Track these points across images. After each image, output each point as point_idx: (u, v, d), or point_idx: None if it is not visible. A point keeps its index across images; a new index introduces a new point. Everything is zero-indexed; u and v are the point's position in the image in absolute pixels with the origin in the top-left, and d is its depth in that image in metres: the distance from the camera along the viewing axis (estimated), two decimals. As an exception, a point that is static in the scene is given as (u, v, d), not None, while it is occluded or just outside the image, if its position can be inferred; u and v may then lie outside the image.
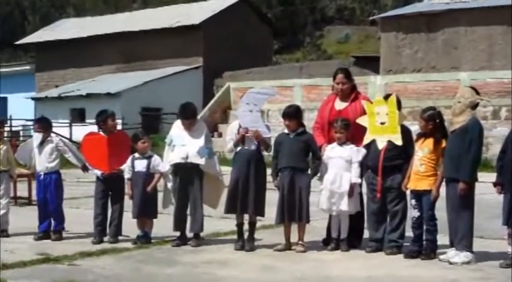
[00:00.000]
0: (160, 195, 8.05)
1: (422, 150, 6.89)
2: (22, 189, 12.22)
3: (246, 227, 7.61)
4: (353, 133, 7.38)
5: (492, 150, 18.80)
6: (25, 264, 6.60)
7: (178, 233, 7.81)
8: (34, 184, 9.13)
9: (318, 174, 7.46)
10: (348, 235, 7.38)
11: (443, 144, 6.80)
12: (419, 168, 6.87)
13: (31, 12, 53.49)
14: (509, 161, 6.56)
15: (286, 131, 7.47)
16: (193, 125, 7.82)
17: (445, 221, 6.80)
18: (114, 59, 35.51)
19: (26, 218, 9.21)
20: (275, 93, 8.26)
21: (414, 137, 7.14)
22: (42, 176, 8.21)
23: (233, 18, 34.18)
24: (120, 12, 43.44)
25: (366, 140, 7.31)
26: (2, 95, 36.95)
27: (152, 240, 7.89)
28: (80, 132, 18.56)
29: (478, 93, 6.81)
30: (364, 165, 7.33)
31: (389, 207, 7.20)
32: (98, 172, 8.08)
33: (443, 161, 6.79)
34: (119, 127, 11.03)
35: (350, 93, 7.65)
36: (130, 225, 8.03)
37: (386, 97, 7.33)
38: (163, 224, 8.12)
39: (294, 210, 7.28)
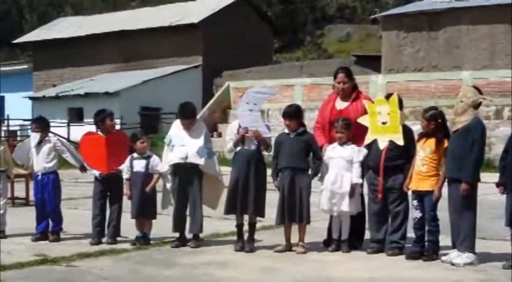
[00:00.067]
0: (159, 196, 8.04)
1: (424, 150, 6.89)
2: (19, 190, 12.22)
3: (245, 227, 7.60)
4: (354, 133, 7.38)
5: (495, 150, 18.82)
6: (22, 265, 6.59)
7: (177, 234, 7.81)
8: (32, 184, 9.12)
9: (319, 175, 7.45)
10: (349, 236, 7.38)
11: (446, 144, 6.79)
12: (421, 169, 6.87)
13: (29, 11, 53.53)
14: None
15: (286, 130, 7.47)
16: (193, 125, 7.82)
17: (447, 222, 6.79)
18: (113, 58, 35.54)
19: (24, 219, 9.21)
20: (275, 93, 8.27)
21: (416, 137, 7.14)
22: (39, 177, 8.20)
23: (233, 17, 34.21)
24: (119, 10, 43.50)
25: (367, 140, 7.31)
26: (-1, 95, 37.02)
27: (151, 241, 7.88)
28: (78, 132, 18.56)
29: (480, 92, 6.80)
30: (365, 166, 7.33)
31: (390, 208, 7.19)
32: (96, 172, 8.07)
33: (445, 161, 6.78)
34: (118, 127, 11.05)
35: (351, 92, 7.65)
36: (129, 226, 8.03)
37: (388, 96, 7.32)
38: (163, 224, 8.12)
39: (295, 211, 7.28)
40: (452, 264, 6.53)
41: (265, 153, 7.64)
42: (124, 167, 7.94)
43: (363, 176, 7.37)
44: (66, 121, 29.72)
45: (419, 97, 23.02)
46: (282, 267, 6.62)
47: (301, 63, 34.53)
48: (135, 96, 30.25)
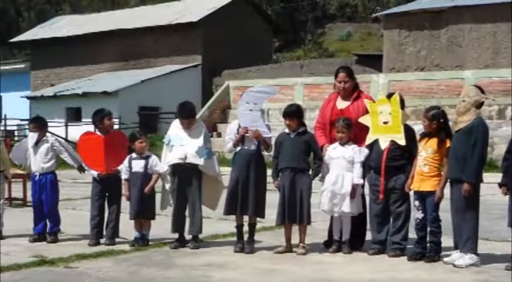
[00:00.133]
0: (158, 197, 8.05)
1: (426, 150, 6.89)
2: (17, 190, 12.22)
3: (245, 228, 7.60)
4: (355, 133, 7.38)
5: (497, 150, 18.81)
6: (20, 266, 6.60)
7: (176, 235, 7.81)
8: (29, 185, 9.12)
9: (320, 175, 7.45)
10: (350, 237, 7.38)
11: (448, 144, 6.79)
12: (423, 169, 6.87)
13: (26, 9, 53.49)
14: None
15: (286, 130, 7.47)
16: (192, 125, 7.82)
17: (449, 223, 6.79)
18: (111, 57, 35.53)
19: (21, 220, 9.22)
20: (275, 92, 8.25)
21: (418, 136, 7.14)
22: (37, 177, 8.21)
23: (232, 16, 34.19)
24: (117, 9, 43.50)
25: (369, 139, 7.31)
26: (-4, 94, 37.03)
27: (150, 242, 7.89)
28: (76, 132, 18.59)
29: (483, 92, 6.81)
30: (366, 166, 7.33)
31: (392, 209, 7.19)
32: (95, 173, 8.07)
33: (447, 161, 6.78)
34: (116, 127, 11.06)
35: (352, 92, 7.65)
36: (127, 227, 8.04)
37: (389, 96, 7.32)
38: (161, 225, 8.13)
39: (295, 212, 7.28)
40: (455, 266, 6.54)
41: (265, 153, 7.64)
42: (123, 167, 7.95)
43: (364, 177, 7.37)
44: (64, 121, 29.73)
45: (421, 96, 23.02)
46: (282, 268, 6.62)
47: (301, 62, 34.52)
48: (133, 96, 30.24)
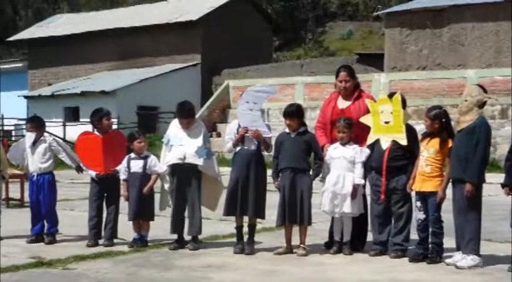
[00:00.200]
0: (157, 197, 8.05)
1: (428, 150, 6.89)
2: (14, 191, 12.22)
3: (245, 229, 7.61)
4: (356, 133, 7.38)
5: (500, 150, 18.83)
6: (17, 268, 6.59)
7: (175, 236, 7.81)
8: (27, 185, 9.12)
9: (320, 175, 7.46)
10: (351, 238, 7.38)
11: (450, 144, 6.80)
12: (425, 169, 6.87)
13: (23, 8, 53.48)
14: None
15: (287, 130, 7.47)
16: (191, 124, 7.82)
17: (451, 224, 6.80)
18: (110, 56, 35.54)
19: (19, 220, 9.21)
20: (276, 92, 8.26)
21: (419, 136, 7.14)
22: (35, 177, 8.21)
23: (232, 14, 34.20)
24: (116, 7, 43.52)
25: (370, 139, 7.31)
26: (-7, 93, 37.02)
27: (149, 244, 7.89)
28: (74, 131, 18.59)
29: (485, 91, 6.81)
30: (367, 166, 7.33)
31: (393, 209, 7.20)
32: (93, 173, 8.08)
33: (449, 161, 6.78)
34: (115, 126, 11.05)
35: (353, 91, 7.65)
36: (126, 228, 8.03)
37: (391, 95, 7.32)
38: (160, 226, 8.12)
39: (295, 212, 7.28)
40: (457, 267, 6.54)
41: (265, 153, 7.64)
42: (121, 168, 7.95)
43: (365, 177, 7.37)
44: (61, 120, 29.74)
45: (423, 96, 23.04)
46: (283, 269, 6.62)
47: (302, 61, 34.55)
48: (132, 95, 30.25)
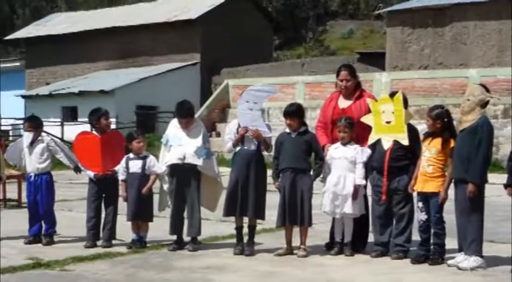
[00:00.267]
0: (156, 198, 8.05)
1: (430, 150, 6.89)
2: (12, 191, 12.21)
3: (245, 230, 7.61)
4: (357, 132, 7.38)
5: (502, 150, 18.83)
6: (15, 269, 6.59)
7: (174, 237, 7.81)
8: (24, 186, 9.12)
9: (321, 176, 7.46)
10: (352, 239, 7.38)
11: (452, 144, 6.80)
12: (427, 169, 6.87)
13: (21, 6, 53.50)
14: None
15: (287, 130, 7.47)
16: (191, 124, 7.82)
17: (454, 224, 6.80)
18: (108, 55, 35.53)
19: (16, 221, 9.21)
20: (276, 91, 8.26)
21: (421, 136, 7.14)
22: (32, 178, 8.21)
23: (232, 13, 34.19)
24: (114, 6, 43.48)
25: (371, 139, 7.32)
26: (-10, 93, 37.00)
27: (147, 245, 7.89)
28: (72, 131, 18.55)
29: (488, 90, 6.81)
30: (369, 166, 7.33)
31: (395, 210, 7.20)
32: (91, 173, 8.07)
33: (451, 161, 6.79)
34: (113, 126, 11.05)
35: (354, 90, 7.65)
36: (124, 229, 8.04)
37: (392, 95, 7.32)
38: (159, 227, 8.12)
39: (296, 213, 7.29)
40: (459, 268, 6.54)
41: (265, 153, 7.65)
42: (120, 168, 7.95)
43: (366, 177, 7.37)
44: (59, 120, 29.70)
45: (425, 95, 23.01)
46: (283, 271, 6.63)
47: (302, 60, 34.54)
48: (131, 95, 30.24)
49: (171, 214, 7.84)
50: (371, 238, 7.54)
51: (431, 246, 6.91)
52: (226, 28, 33.39)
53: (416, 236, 7.11)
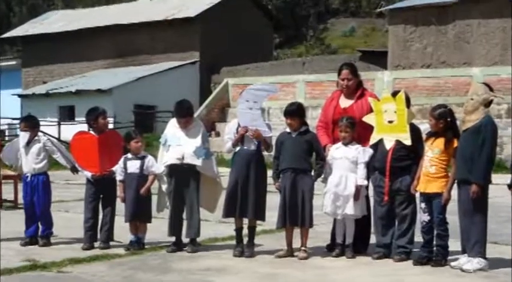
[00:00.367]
0: (154, 198, 8.05)
1: (433, 150, 6.89)
2: (8, 192, 12.22)
3: (245, 231, 7.61)
4: (359, 132, 7.38)
5: (507, 150, 18.85)
6: (11, 271, 6.59)
7: (173, 238, 7.81)
8: (20, 186, 9.12)
9: (322, 176, 7.46)
10: (354, 240, 7.38)
11: (455, 144, 6.80)
12: (430, 170, 6.87)
13: (17, 4, 53.50)
14: (524, 161, 6.57)
15: (288, 130, 7.47)
16: (190, 124, 7.82)
17: (457, 226, 6.80)
18: (106, 54, 35.55)
19: (12, 222, 9.21)
20: (276, 90, 8.26)
21: (424, 136, 7.14)
22: (29, 178, 8.20)
23: (231, 10, 34.22)
24: (112, 4, 43.48)
25: (373, 139, 7.31)
26: (-14, 92, 37.01)
27: (146, 246, 7.89)
28: (69, 131, 18.59)
29: (491, 89, 6.81)
30: (370, 166, 7.33)
31: (397, 211, 7.20)
32: (88, 174, 8.07)
33: (454, 161, 6.78)
34: (111, 126, 11.06)
35: (356, 89, 7.65)
36: (122, 230, 8.04)
37: (395, 94, 7.32)
38: (158, 228, 8.13)
39: (297, 214, 7.28)
40: (462, 270, 6.53)
41: (265, 153, 7.65)
42: (117, 168, 7.95)
43: (368, 178, 7.37)
44: (56, 120, 29.74)
45: (428, 94, 23.04)
46: (284, 273, 6.63)
47: (303, 59, 34.59)
48: (129, 94, 30.26)
49: (169, 215, 7.84)
50: (373, 239, 7.53)
51: (434, 248, 6.91)
52: (226, 26, 33.42)
53: (418, 238, 7.11)
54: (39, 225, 8.19)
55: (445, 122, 6.86)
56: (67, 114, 30.86)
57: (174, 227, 7.78)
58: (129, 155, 7.97)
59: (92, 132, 8.28)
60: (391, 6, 30.66)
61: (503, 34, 25.99)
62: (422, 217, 6.97)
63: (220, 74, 31.87)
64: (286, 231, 7.47)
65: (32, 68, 38.01)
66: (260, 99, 7.64)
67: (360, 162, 7.31)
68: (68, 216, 10.33)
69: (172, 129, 7.87)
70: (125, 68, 34.33)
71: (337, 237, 7.47)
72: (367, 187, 7.42)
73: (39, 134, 8.46)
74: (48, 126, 25.64)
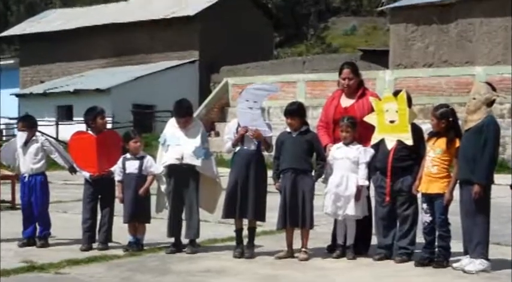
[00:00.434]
0: (153, 199, 8.05)
1: (435, 150, 6.89)
2: (5, 192, 12.20)
3: (245, 232, 7.61)
4: (360, 132, 7.38)
5: (509, 150, 18.86)
6: (9, 272, 6.59)
7: (172, 239, 7.81)
8: (18, 187, 9.12)
9: (323, 176, 7.46)
10: (355, 241, 7.38)
11: (457, 144, 6.80)
12: (431, 170, 6.87)
13: (15, 3, 53.50)
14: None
15: (288, 129, 7.47)
16: (189, 124, 7.82)
17: (459, 226, 6.80)
18: (104, 53, 35.55)
19: (10, 223, 9.21)
20: (276, 90, 8.26)
21: (426, 136, 7.14)
22: (26, 178, 8.20)
23: (231, 9, 34.22)
24: (110, 2, 43.46)
25: (374, 139, 7.31)
26: (-17, 92, 37.00)
27: (145, 247, 7.89)
28: (67, 131, 18.58)
29: (494, 89, 6.81)
30: (372, 167, 7.33)
31: (399, 212, 7.20)
32: (87, 174, 8.08)
33: (456, 162, 6.78)
34: (109, 126, 11.04)
35: (357, 89, 7.65)
36: (121, 231, 8.04)
37: (396, 93, 7.33)
38: (157, 229, 8.13)
39: (297, 215, 7.28)
40: (464, 272, 6.54)
41: (265, 153, 7.65)
42: (116, 168, 7.95)
43: (369, 178, 7.37)
44: (54, 119, 29.74)
45: (429, 94, 23.03)
46: (284, 274, 6.63)
47: (304, 58, 34.58)
48: (127, 93, 30.26)
49: (168, 216, 7.84)
50: (374, 241, 7.54)
51: (436, 249, 6.91)
52: (226, 25, 33.41)
53: (420, 238, 7.11)
54: (37, 226, 8.19)
55: (447, 122, 6.87)
56: (65, 114, 30.86)
57: (173, 228, 7.78)
58: (128, 155, 7.97)
59: (90, 132, 8.28)
60: (392, 5, 30.66)
61: (506, 33, 25.99)
62: (424, 218, 6.97)
63: (220, 73, 31.87)
64: (286, 232, 7.47)
65: (29, 67, 38.02)
66: (260, 99, 7.64)
67: (361, 163, 7.31)
68: (66, 217, 10.33)
69: (171, 129, 7.87)
70: (124, 67, 34.34)
71: (338, 238, 7.47)
72: (368, 187, 7.42)
73: (37, 133, 8.46)
74: (46, 126, 25.65)
